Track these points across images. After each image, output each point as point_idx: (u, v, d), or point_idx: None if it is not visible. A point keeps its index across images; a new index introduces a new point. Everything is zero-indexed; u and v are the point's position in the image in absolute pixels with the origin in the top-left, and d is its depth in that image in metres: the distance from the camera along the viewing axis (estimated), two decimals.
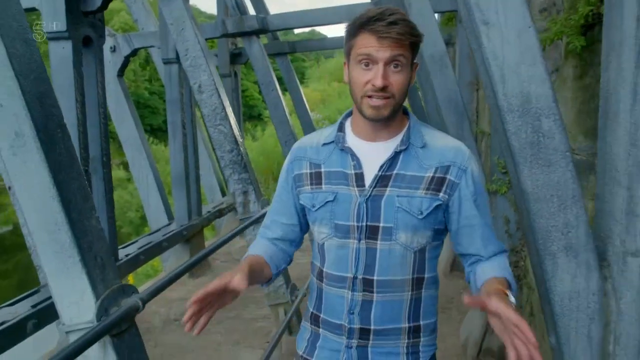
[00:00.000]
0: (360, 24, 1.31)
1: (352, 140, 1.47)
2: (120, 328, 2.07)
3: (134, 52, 6.55)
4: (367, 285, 1.42)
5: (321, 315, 1.53)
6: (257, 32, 6.13)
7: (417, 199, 1.38)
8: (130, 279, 7.52)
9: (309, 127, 8.14)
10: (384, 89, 1.31)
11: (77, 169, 2.12)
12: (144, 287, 5.09)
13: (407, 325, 1.47)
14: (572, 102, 2.68)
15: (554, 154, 1.60)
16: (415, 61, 1.37)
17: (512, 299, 1.27)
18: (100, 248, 2.11)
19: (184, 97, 6.22)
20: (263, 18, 6.24)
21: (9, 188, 4.36)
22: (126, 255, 4.95)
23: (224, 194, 8.30)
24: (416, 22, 3.46)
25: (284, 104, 6.58)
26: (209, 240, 7.50)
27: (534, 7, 3.41)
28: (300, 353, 1.59)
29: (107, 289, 2.06)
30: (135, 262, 5.04)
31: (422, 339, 1.50)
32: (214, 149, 7.83)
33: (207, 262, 6.78)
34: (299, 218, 1.58)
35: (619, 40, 1.57)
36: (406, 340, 1.47)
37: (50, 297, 3.57)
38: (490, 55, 1.57)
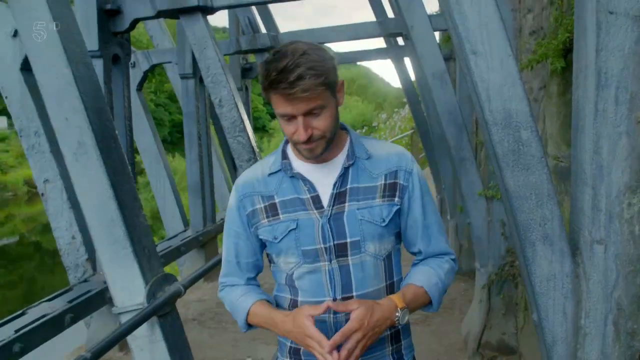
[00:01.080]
0: (266, 86, 1.31)
1: (298, 165, 1.49)
2: (165, 310, 2.41)
3: (152, 68, 6.94)
4: None
5: (301, 348, 1.49)
6: (269, 49, 6.50)
7: (377, 208, 1.44)
8: None
9: None
10: (309, 139, 1.34)
11: (127, 173, 2.47)
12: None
13: (388, 332, 1.51)
14: (557, 116, 3.02)
15: (532, 159, 1.94)
16: (338, 82, 1.40)
17: (398, 313, 1.38)
18: (147, 241, 2.46)
19: (200, 110, 6.59)
20: (275, 36, 6.64)
21: (42, 194, 4.72)
22: None
23: None
24: (418, 42, 3.96)
25: None
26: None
27: (524, 30, 3.77)
28: None
29: (153, 277, 2.41)
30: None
31: (403, 342, 1.56)
32: (231, 159, 8.18)
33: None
34: (260, 253, 1.59)
35: (584, 66, 1.92)
36: (390, 347, 1.52)
37: (83, 294, 3.94)
38: (477, 79, 1.91)
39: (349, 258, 1.43)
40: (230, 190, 6.50)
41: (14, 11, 2.35)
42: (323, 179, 1.46)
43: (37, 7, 2.27)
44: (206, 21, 4.36)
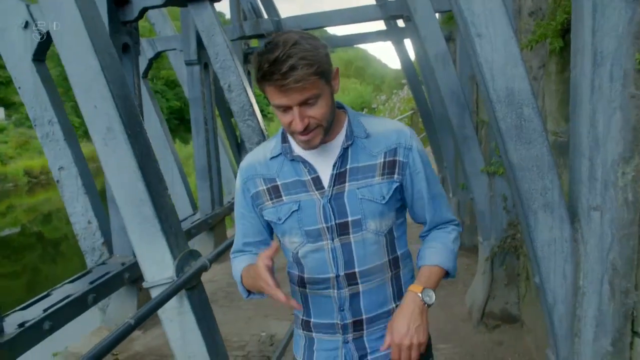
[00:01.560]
0: (260, 78, 1.32)
1: (298, 148, 1.49)
2: (192, 283, 2.58)
3: (157, 55, 7.05)
4: (351, 279, 1.49)
5: (312, 320, 1.57)
6: (272, 34, 6.61)
7: (376, 186, 1.46)
8: None
9: None
10: (306, 128, 1.35)
11: (152, 156, 2.63)
12: None
13: (394, 305, 1.55)
14: (556, 93, 3.17)
15: (533, 133, 2.10)
16: (332, 71, 1.40)
17: (422, 296, 1.45)
18: (173, 220, 2.62)
19: (205, 95, 6.72)
20: (278, 21, 6.75)
21: (57, 181, 4.88)
22: None
23: None
24: (420, 24, 4.12)
25: None
26: (231, 229, 8.01)
27: (523, 11, 3.90)
28: None
29: (180, 252, 2.57)
30: None
31: None
32: (236, 143, 8.33)
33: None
34: (267, 232, 1.62)
35: (582, 46, 2.06)
36: None
37: (102, 276, 4.13)
38: (482, 60, 2.06)
39: (351, 236, 1.47)
40: (235, 174, 6.73)
41: (43, 6, 2.49)
42: (323, 160, 1.47)
43: (63, 3, 2.40)
44: (214, 9, 4.48)
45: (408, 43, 7.86)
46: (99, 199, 5.11)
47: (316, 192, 1.46)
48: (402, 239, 1.58)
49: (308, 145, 1.41)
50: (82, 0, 2.45)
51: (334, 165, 1.45)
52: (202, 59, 6.44)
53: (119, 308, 4.95)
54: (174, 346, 2.62)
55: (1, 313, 3.24)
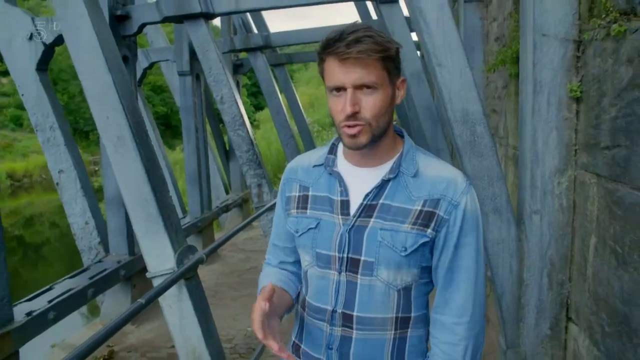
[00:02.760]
0: (322, 49, 1.24)
1: (342, 164, 1.38)
2: (190, 274, 2.92)
3: (151, 66, 7.38)
4: (347, 320, 1.34)
5: (302, 346, 1.45)
6: (261, 48, 7.00)
7: (402, 234, 1.27)
8: None
9: (304, 129, 9.06)
10: (354, 115, 1.22)
11: (156, 162, 2.97)
12: None
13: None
14: (514, 112, 3.57)
15: (485, 148, 2.48)
16: (400, 77, 1.30)
17: None
18: (174, 218, 2.97)
19: (197, 105, 7.07)
20: (267, 35, 7.14)
21: (57, 184, 5.19)
22: None
23: (227, 192, 9.17)
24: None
25: (284, 110, 7.48)
26: (218, 232, 8.33)
27: (490, 36, 4.32)
28: None
29: (180, 247, 2.91)
30: None
31: None
32: (224, 151, 8.67)
33: (216, 252, 7.63)
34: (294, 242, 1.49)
35: (525, 76, 2.46)
36: None
37: (100, 272, 4.45)
38: (442, 85, 2.44)
39: (359, 276, 1.31)
40: (222, 179, 7.16)
41: (63, 27, 2.83)
42: (360, 184, 1.33)
43: (81, 26, 2.75)
44: (208, 26, 4.84)
45: None
46: (96, 201, 5.41)
47: (340, 217, 1.33)
48: (421, 300, 1.37)
49: (354, 143, 1.25)
50: (98, 24, 2.79)
51: (366, 195, 1.31)
52: (194, 70, 6.79)
53: (114, 304, 5.25)
54: (172, 329, 2.94)
55: (11, 303, 3.54)
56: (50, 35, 5.16)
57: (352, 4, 7.77)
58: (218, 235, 7.85)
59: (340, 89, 1.23)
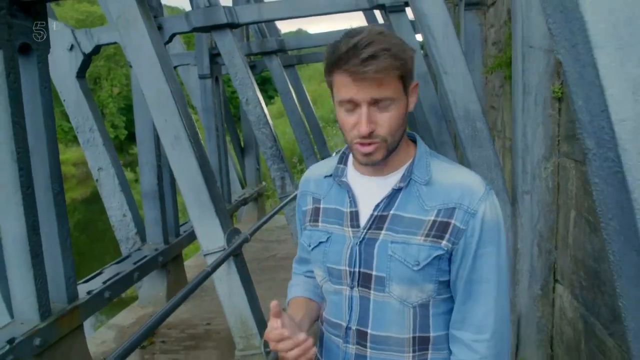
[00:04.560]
0: (333, 62, 1.13)
1: (352, 173, 1.31)
2: (237, 252, 3.45)
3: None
4: (361, 338, 1.26)
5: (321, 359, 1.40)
6: (275, 52, 7.53)
7: (414, 247, 1.18)
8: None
9: (315, 126, 9.60)
10: (370, 134, 1.14)
11: (206, 158, 3.50)
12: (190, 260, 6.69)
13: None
14: (510, 109, 4.08)
15: (484, 141, 3.01)
16: (413, 82, 1.20)
17: None
18: (222, 204, 3.49)
19: (216, 105, 7.60)
20: (281, 40, 7.66)
21: (97, 180, 5.74)
22: (184, 232, 6.34)
23: (242, 186, 9.72)
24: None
25: (299, 109, 8.02)
26: (237, 225, 8.87)
27: (489, 41, 4.83)
28: None
29: (227, 229, 3.44)
30: (191, 238, 6.45)
31: None
32: (240, 148, 9.19)
33: None
34: None
35: (516, 80, 2.98)
36: None
37: (142, 258, 4.98)
38: (448, 89, 2.96)
39: (372, 292, 1.23)
40: (238, 174, 7.81)
41: (127, 44, 3.36)
42: (370, 194, 1.25)
43: (143, 44, 3.27)
44: (234, 34, 5.36)
45: None
46: (132, 196, 5.95)
47: (350, 229, 1.25)
48: (442, 319, 1.25)
49: (368, 160, 1.19)
50: (156, 42, 3.32)
51: (376, 206, 1.23)
52: (214, 73, 7.32)
53: (151, 288, 5.79)
54: (222, 299, 3.48)
55: (76, 282, 4.09)
56: (89, 45, 5.69)
57: None
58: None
59: (352, 103, 1.14)
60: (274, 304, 1.15)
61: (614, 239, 1.09)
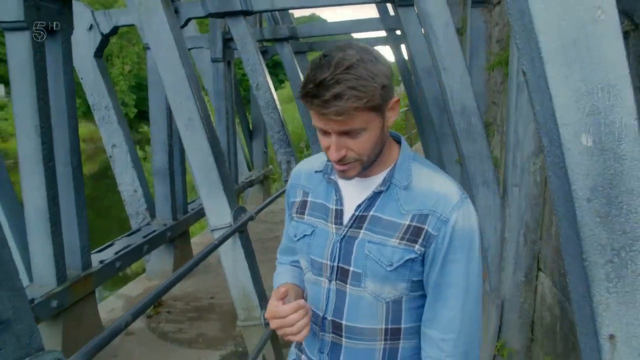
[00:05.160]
0: (302, 96, 1.15)
1: None
2: (242, 228, 3.67)
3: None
4: (336, 328, 1.34)
5: (303, 345, 1.48)
6: (287, 39, 7.70)
7: (389, 249, 1.24)
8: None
9: None
10: (341, 159, 1.19)
11: (217, 139, 3.71)
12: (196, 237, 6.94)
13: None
14: None
15: (477, 135, 3.21)
16: (391, 100, 1.20)
17: None
18: (230, 183, 3.71)
19: (227, 89, 7.80)
20: (293, 27, 7.83)
21: (110, 156, 5.96)
22: (192, 209, 6.59)
23: (249, 169, 9.95)
24: (411, 43, 5.46)
25: None
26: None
27: (493, 38, 5.00)
28: None
29: (234, 206, 3.66)
30: (198, 215, 6.69)
31: None
32: (249, 131, 9.40)
33: None
34: None
35: (511, 78, 3.17)
36: None
37: (151, 232, 5.22)
38: (446, 85, 3.16)
39: (348, 286, 1.31)
40: (245, 157, 8.08)
41: (147, 31, 3.56)
42: (354, 195, 1.32)
43: (163, 31, 3.47)
44: (247, 21, 5.55)
45: (404, 48, 8.94)
46: (143, 172, 6.19)
47: (334, 226, 1.33)
48: (414, 313, 1.32)
49: (343, 176, 1.26)
50: (174, 28, 3.52)
51: (357, 206, 1.30)
52: (226, 57, 7.52)
53: (159, 262, 6.05)
54: (227, 272, 3.71)
55: (90, 252, 4.34)
56: (107, 26, 5.89)
57: None
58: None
59: (322, 130, 1.18)
60: (282, 290, 1.29)
61: (562, 223, 1.30)
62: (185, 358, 4.46)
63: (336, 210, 1.33)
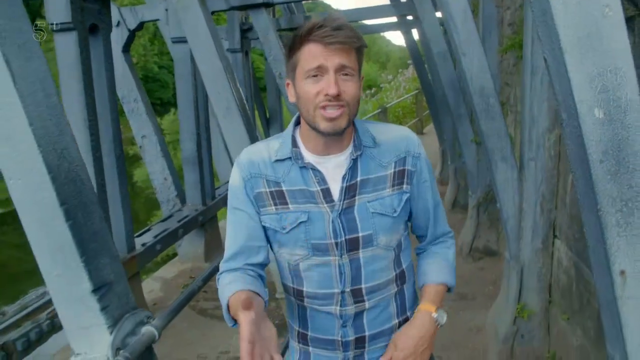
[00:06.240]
0: (305, 34, 1.26)
1: (308, 156, 1.40)
2: None
3: None
4: (357, 295, 1.42)
5: (309, 334, 1.49)
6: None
7: (387, 199, 1.40)
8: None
9: None
10: (338, 96, 1.26)
11: (252, 126, 3.99)
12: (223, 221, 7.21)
13: (396, 321, 1.51)
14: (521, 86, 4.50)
15: (495, 114, 3.46)
16: (362, 74, 1.36)
17: (436, 317, 1.44)
18: None
19: (245, 78, 8.06)
20: (308, 16, 8.06)
21: (140, 147, 6.26)
22: (219, 195, 6.91)
23: None
24: (427, 28, 5.82)
25: None
26: None
27: (505, 22, 5.23)
28: None
29: None
30: (225, 201, 7.00)
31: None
32: (266, 119, 9.64)
33: None
34: (267, 241, 1.45)
35: (525, 61, 3.42)
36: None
37: (184, 217, 5.53)
38: (465, 69, 3.41)
39: (360, 252, 1.40)
40: None
41: (185, 26, 3.83)
42: (333, 171, 1.39)
43: (199, 26, 3.75)
44: (268, 13, 5.80)
45: (415, 32, 9.14)
46: (172, 161, 6.49)
47: (326, 205, 1.37)
48: (407, 252, 1.54)
49: (334, 125, 1.29)
50: (209, 23, 3.80)
51: (343, 178, 1.38)
52: (244, 48, 7.77)
53: (190, 246, 6.37)
54: None
55: (133, 235, 4.66)
56: (133, 22, 6.17)
57: None
58: None
59: (320, 71, 1.26)
60: (244, 297, 1.21)
61: (579, 182, 1.56)
62: (224, 332, 4.77)
63: (322, 190, 1.38)
